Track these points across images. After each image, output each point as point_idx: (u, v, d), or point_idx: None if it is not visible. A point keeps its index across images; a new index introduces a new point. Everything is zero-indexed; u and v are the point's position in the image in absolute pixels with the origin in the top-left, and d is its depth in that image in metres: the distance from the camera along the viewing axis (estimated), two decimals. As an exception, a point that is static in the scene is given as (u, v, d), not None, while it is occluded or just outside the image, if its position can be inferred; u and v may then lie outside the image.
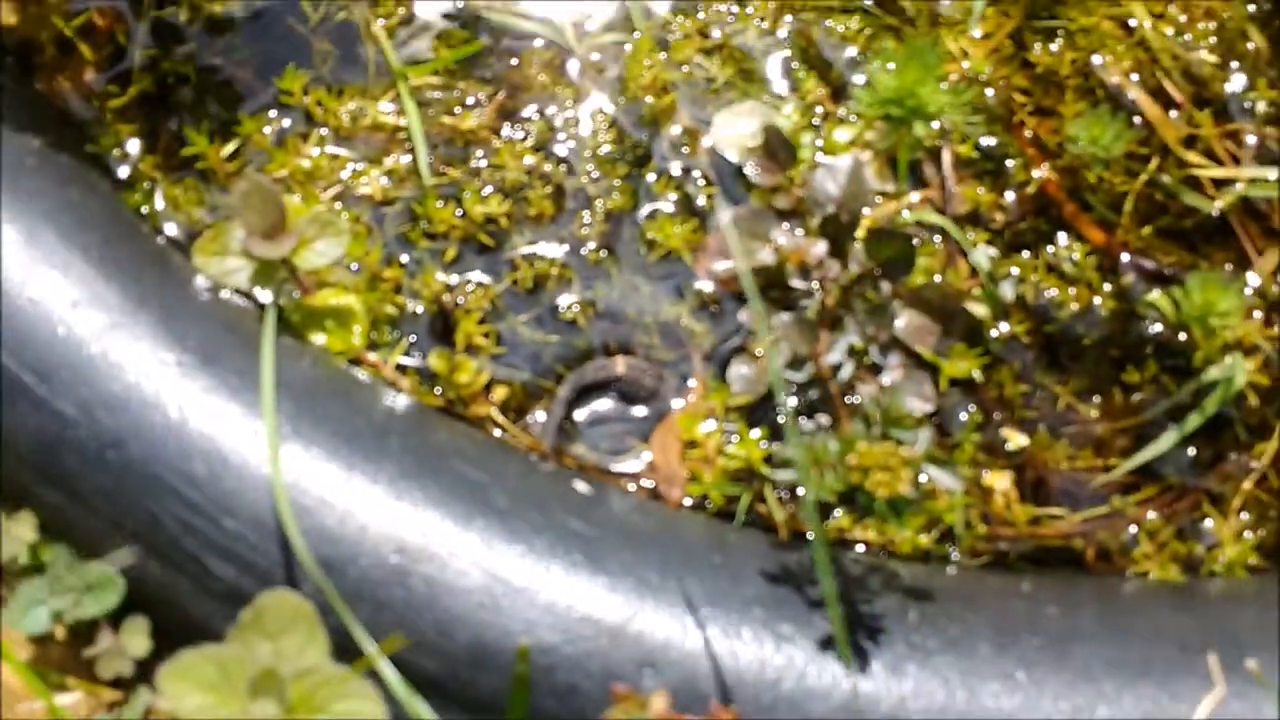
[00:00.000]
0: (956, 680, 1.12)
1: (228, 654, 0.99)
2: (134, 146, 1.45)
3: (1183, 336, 1.38)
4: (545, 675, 1.11)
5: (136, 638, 1.21)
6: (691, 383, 1.38)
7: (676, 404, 1.37)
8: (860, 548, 1.31)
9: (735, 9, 1.51)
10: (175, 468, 1.17)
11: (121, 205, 1.38)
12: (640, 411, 1.37)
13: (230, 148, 1.45)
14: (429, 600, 1.13)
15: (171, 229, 1.42)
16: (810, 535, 1.31)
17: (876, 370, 1.30)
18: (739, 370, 1.37)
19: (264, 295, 1.32)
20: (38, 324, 1.22)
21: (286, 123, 1.46)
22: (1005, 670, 1.13)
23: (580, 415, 1.38)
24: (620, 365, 1.38)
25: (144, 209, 1.42)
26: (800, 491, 1.31)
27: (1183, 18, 1.47)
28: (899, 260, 1.30)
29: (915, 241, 1.31)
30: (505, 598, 1.13)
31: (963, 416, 1.37)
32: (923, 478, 1.17)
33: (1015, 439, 1.36)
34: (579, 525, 1.19)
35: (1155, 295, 1.38)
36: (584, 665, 1.11)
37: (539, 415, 1.37)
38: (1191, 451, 1.36)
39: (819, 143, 1.45)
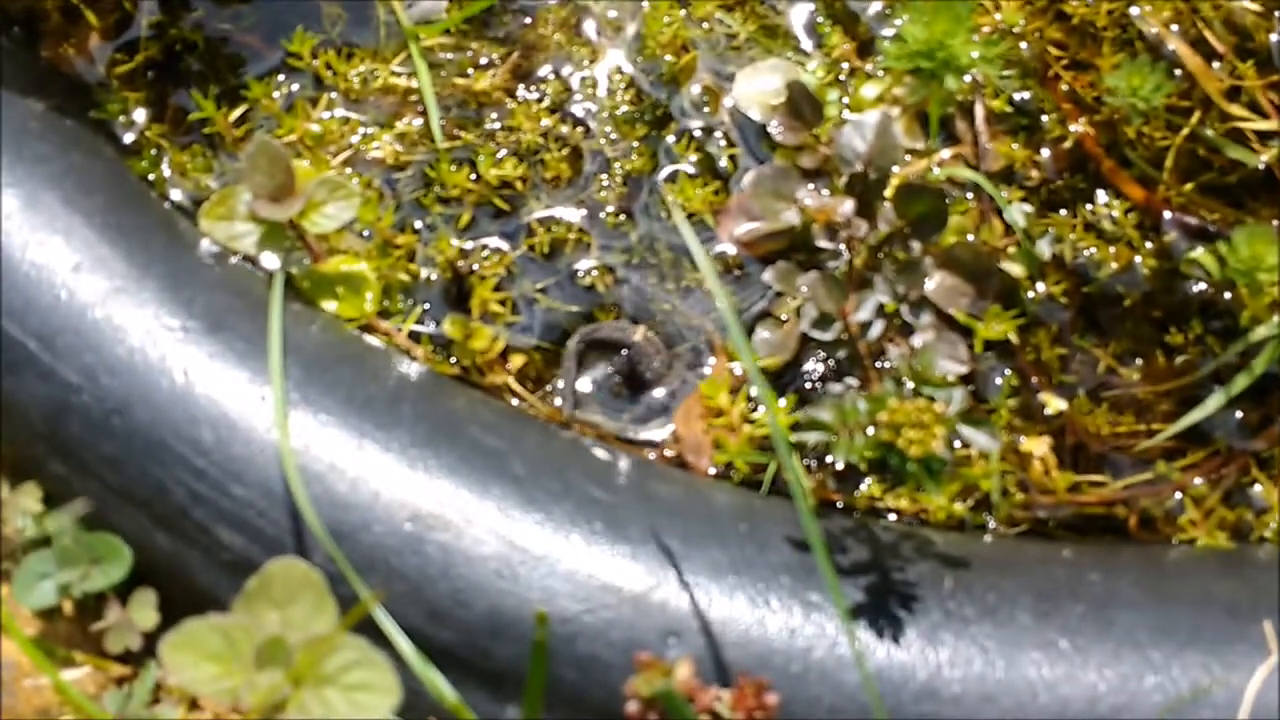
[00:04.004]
0: (995, 649, 1.07)
1: (233, 623, 0.95)
2: (140, 114, 1.42)
3: (1228, 295, 1.32)
4: (565, 645, 1.06)
5: (144, 610, 1.17)
6: (710, 361, 1.33)
7: (687, 384, 1.32)
8: (892, 517, 1.26)
9: (757, -37, 1.46)
10: (182, 434, 1.13)
11: (126, 170, 1.34)
12: (651, 392, 1.33)
13: (238, 113, 1.41)
14: (444, 569, 1.09)
15: (178, 195, 1.38)
16: (839, 503, 1.26)
17: (907, 331, 1.25)
18: (764, 335, 1.32)
19: (272, 260, 1.29)
20: (40, 289, 1.19)
21: (295, 87, 1.43)
22: (1046, 638, 1.08)
23: (601, 383, 1.33)
24: (638, 334, 1.34)
25: (150, 176, 1.38)
26: (829, 458, 1.26)
27: (1224, -35, 1.41)
28: (930, 217, 1.25)
29: (947, 198, 1.26)
30: (523, 566, 1.09)
31: (998, 381, 1.32)
32: (956, 443, 1.12)
33: (1053, 403, 1.31)
34: (599, 492, 1.15)
35: (1199, 252, 1.32)
36: (605, 635, 1.06)
37: (559, 384, 1.32)
38: (1238, 414, 1.30)
39: (845, 99, 1.40)
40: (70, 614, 1.20)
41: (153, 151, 1.40)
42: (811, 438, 1.09)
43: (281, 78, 1.43)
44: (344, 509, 1.11)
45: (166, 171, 1.39)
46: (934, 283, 1.30)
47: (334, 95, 1.42)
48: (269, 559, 1.03)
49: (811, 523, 0.96)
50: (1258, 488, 1.28)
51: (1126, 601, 1.11)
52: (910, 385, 1.10)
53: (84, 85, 1.42)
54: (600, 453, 1.22)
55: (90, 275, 1.19)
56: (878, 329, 1.17)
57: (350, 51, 1.43)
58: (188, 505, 1.13)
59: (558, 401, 1.30)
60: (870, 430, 1.06)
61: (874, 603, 1.09)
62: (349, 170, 1.39)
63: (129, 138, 1.41)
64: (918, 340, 1.23)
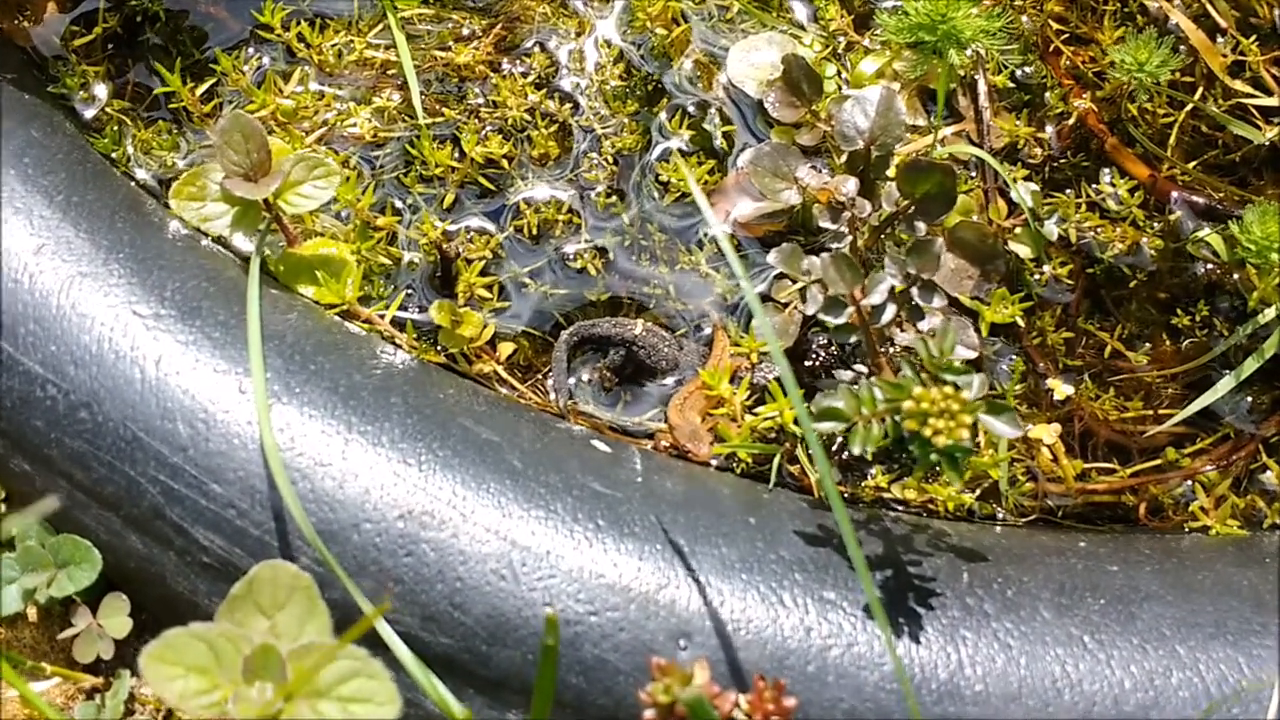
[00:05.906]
0: (1017, 646, 1.03)
1: (218, 632, 0.88)
2: (101, 89, 1.33)
3: (1236, 276, 1.29)
4: (570, 648, 1.01)
5: (116, 617, 1.10)
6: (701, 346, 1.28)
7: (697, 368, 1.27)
8: (899, 509, 1.22)
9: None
10: (155, 429, 1.06)
11: (88, 147, 1.26)
12: (661, 381, 1.27)
13: (204, 87, 1.33)
14: (440, 569, 1.03)
15: (143, 174, 1.30)
16: (845, 494, 1.22)
17: (915, 315, 1.20)
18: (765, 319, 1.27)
19: (245, 243, 1.21)
20: (-2, 275, 1.11)
21: (266, 60, 1.35)
22: (1069, 634, 1.04)
23: (596, 378, 1.27)
24: (638, 328, 1.28)
25: (113, 154, 1.30)
26: (834, 448, 1.22)
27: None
28: (936, 195, 1.20)
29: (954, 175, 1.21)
30: (524, 565, 1.03)
31: (1003, 366, 1.28)
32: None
33: (1061, 389, 1.27)
34: (601, 486, 1.09)
35: (1206, 232, 1.28)
36: (613, 637, 1.01)
37: (551, 380, 1.26)
38: (1248, 398, 1.27)
39: (843, 74, 1.35)
40: (36, 621, 1.13)
41: (115, 128, 1.32)
42: (824, 427, 1.04)
43: (251, 50, 1.35)
44: (331, 507, 1.04)
45: (130, 149, 1.31)
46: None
47: (307, 68, 1.35)
48: (251, 561, 0.97)
49: (844, 515, 0.91)
50: (1268, 473, 1.25)
51: (1148, 594, 1.08)
52: (925, 371, 1.05)
53: (40, 58, 1.34)
54: (599, 444, 1.16)
55: (53, 259, 1.11)
56: (889, 313, 1.12)
57: (324, 22, 1.36)
58: (162, 505, 1.06)
59: (552, 395, 1.25)
60: (889, 419, 1.01)
61: (891, 598, 1.04)
62: (324, 147, 1.32)
63: (89, 113, 1.32)
64: (926, 324, 1.18)
